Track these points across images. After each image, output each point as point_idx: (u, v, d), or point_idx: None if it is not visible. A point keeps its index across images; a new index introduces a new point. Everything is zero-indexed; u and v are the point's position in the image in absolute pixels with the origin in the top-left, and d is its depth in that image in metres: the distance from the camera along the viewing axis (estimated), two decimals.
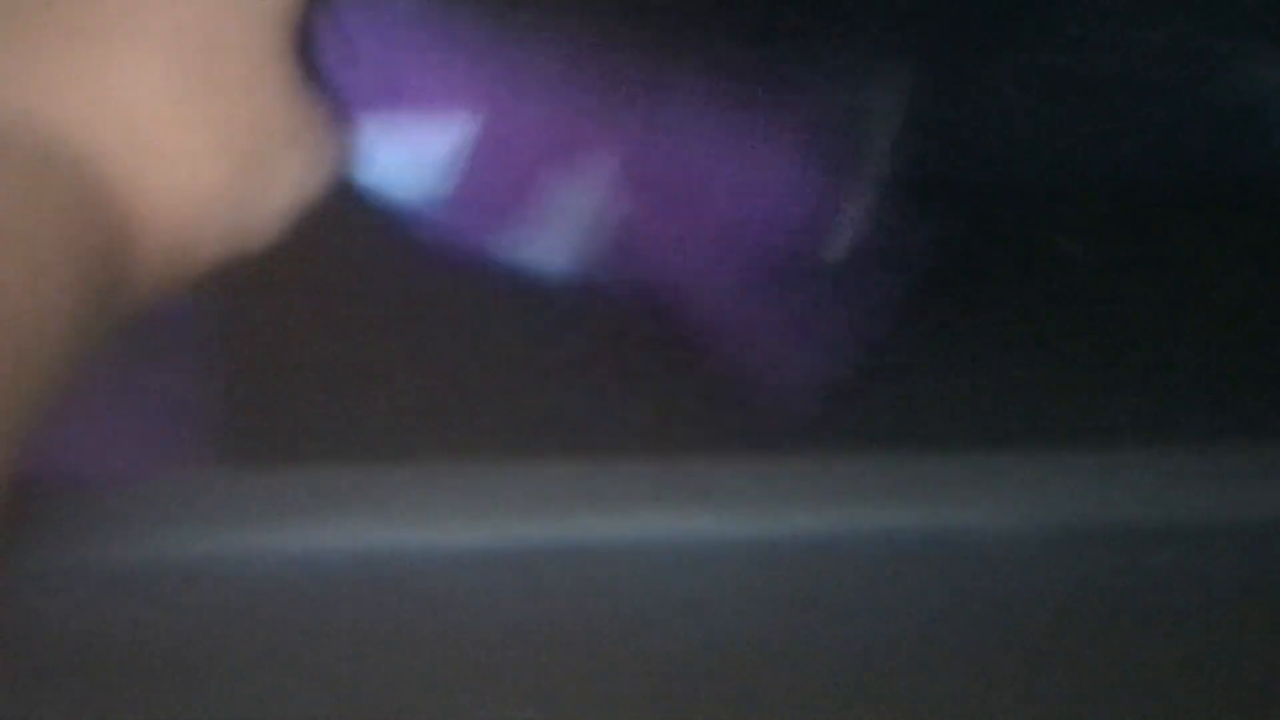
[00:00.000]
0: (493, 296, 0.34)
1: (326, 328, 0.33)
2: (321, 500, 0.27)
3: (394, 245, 0.33)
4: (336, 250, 0.35)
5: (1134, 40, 0.41)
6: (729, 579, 0.28)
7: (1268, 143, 0.41)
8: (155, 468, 0.28)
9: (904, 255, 0.33)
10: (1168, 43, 0.41)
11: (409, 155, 0.32)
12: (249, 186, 0.27)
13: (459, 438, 0.28)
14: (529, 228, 0.34)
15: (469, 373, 0.33)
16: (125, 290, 0.26)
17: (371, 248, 0.34)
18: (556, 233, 0.34)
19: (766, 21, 0.38)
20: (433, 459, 0.27)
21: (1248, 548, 0.29)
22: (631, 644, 0.29)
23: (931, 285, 0.39)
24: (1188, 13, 0.40)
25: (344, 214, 0.34)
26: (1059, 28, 0.41)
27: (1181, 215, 0.39)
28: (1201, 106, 0.41)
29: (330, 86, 0.31)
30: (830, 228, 0.36)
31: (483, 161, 0.33)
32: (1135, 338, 0.37)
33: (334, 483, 0.27)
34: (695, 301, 0.34)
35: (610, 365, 0.33)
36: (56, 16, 0.26)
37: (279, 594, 0.27)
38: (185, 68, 0.27)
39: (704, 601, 0.29)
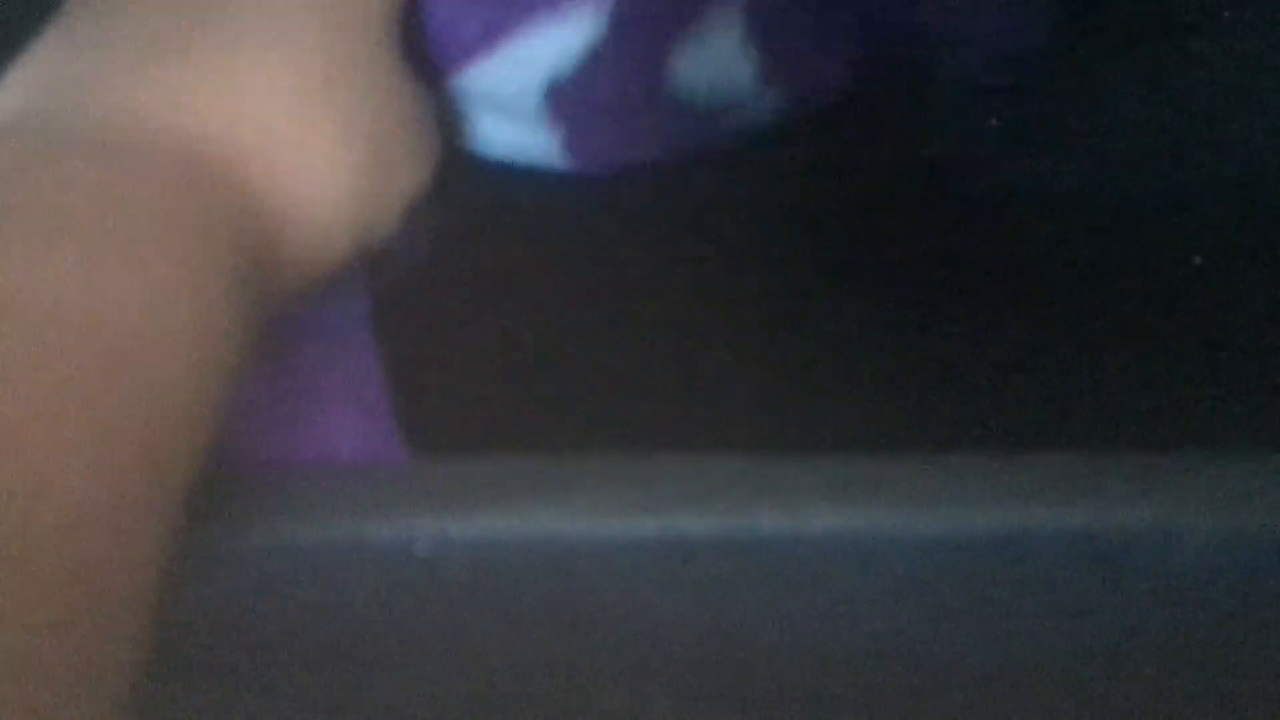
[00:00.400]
0: (671, 286, 0.34)
1: (509, 316, 0.33)
2: (498, 490, 0.27)
3: (571, 230, 0.34)
4: (510, 235, 0.35)
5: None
6: (902, 576, 0.28)
7: None
8: (335, 456, 0.28)
9: None
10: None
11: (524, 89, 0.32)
12: (373, 180, 0.28)
13: (635, 430, 0.29)
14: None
15: (648, 365, 0.33)
16: (276, 285, 0.27)
17: (552, 234, 0.34)
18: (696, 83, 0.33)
19: None
20: (609, 450, 0.27)
21: None
22: (801, 640, 0.29)
23: (1076, 288, 0.39)
24: None
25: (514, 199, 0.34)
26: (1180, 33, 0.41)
27: None
28: None
29: (437, 69, 0.31)
30: None
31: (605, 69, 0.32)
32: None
33: (510, 473, 0.27)
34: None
35: (784, 361, 0.33)
36: (200, 32, 0.27)
37: (453, 582, 0.27)
38: (308, 72, 0.27)
39: (875, 598, 0.28)
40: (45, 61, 0.27)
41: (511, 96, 0.33)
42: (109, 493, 0.22)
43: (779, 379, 0.35)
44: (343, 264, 0.28)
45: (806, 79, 0.37)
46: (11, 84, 0.26)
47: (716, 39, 0.33)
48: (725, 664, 0.30)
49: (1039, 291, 0.39)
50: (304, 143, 0.27)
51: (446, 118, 0.33)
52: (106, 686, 0.22)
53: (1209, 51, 0.40)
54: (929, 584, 0.29)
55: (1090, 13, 0.41)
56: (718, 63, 0.34)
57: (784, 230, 0.38)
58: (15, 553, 0.20)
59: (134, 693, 0.22)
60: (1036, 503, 0.28)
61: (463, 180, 0.33)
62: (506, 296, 0.34)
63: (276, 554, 0.26)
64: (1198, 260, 0.39)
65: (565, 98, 0.33)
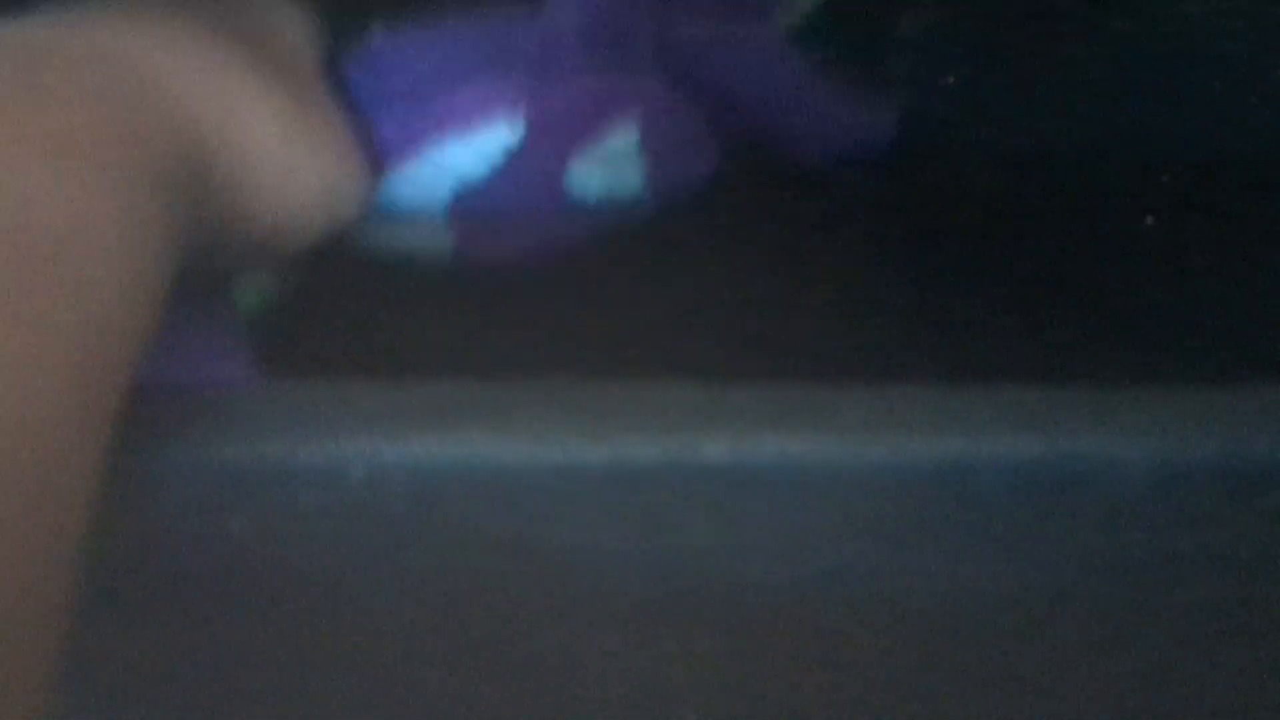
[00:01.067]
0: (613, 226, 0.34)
1: None
2: (436, 414, 0.26)
3: None
4: None
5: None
6: (848, 506, 0.28)
7: None
8: (246, 377, 0.28)
9: None
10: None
11: (449, 172, 0.35)
12: (308, 173, 0.31)
13: (576, 357, 0.28)
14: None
15: (586, 293, 0.33)
16: (208, 226, 0.28)
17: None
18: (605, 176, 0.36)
19: None
20: (550, 376, 0.27)
21: None
22: (748, 571, 0.28)
23: (1028, 238, 0.39)
24: None
25: None
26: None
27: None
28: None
29: (362, 117, 0.35)
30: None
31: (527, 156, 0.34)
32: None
33: (449, 397, 0.27)
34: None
35: (728, 290, 0.33)
36: (221, 57, 0.30)
37: (389, 509, 0.27)
38: (277, 91, 0.30)
39: (822, 529, 0.28)
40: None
41: (416, 210, 0.35)
42: (34, 402, 0.21)
43: (729, 307, 0.35)
44: (266, 243, 0.30)
45: (686, 175, 0.39)
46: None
47: (613, 147, 0.36)
48: (673, 597, 0.29)
49: (990, 240, 0.39)
50: (273, 150, 0.29)
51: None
52: (40, 611, 0.21)
53: (1170, 9, 0.41)
54: (876, 514, 0.28)
55: None
56: (612, 168, 0.36)
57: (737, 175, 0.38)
58: None
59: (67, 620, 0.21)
60: (983, 433, 0.28)
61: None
62: None
63: (204, 473, 0.25)
64: (1150, 220, 0.39)
65: (468, 204, 0.35)
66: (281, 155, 0.30)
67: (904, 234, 0.38)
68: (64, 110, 0.24)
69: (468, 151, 0.34)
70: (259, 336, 0.32)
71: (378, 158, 0.35)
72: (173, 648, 0.27)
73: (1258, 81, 0.39)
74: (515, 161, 0.35)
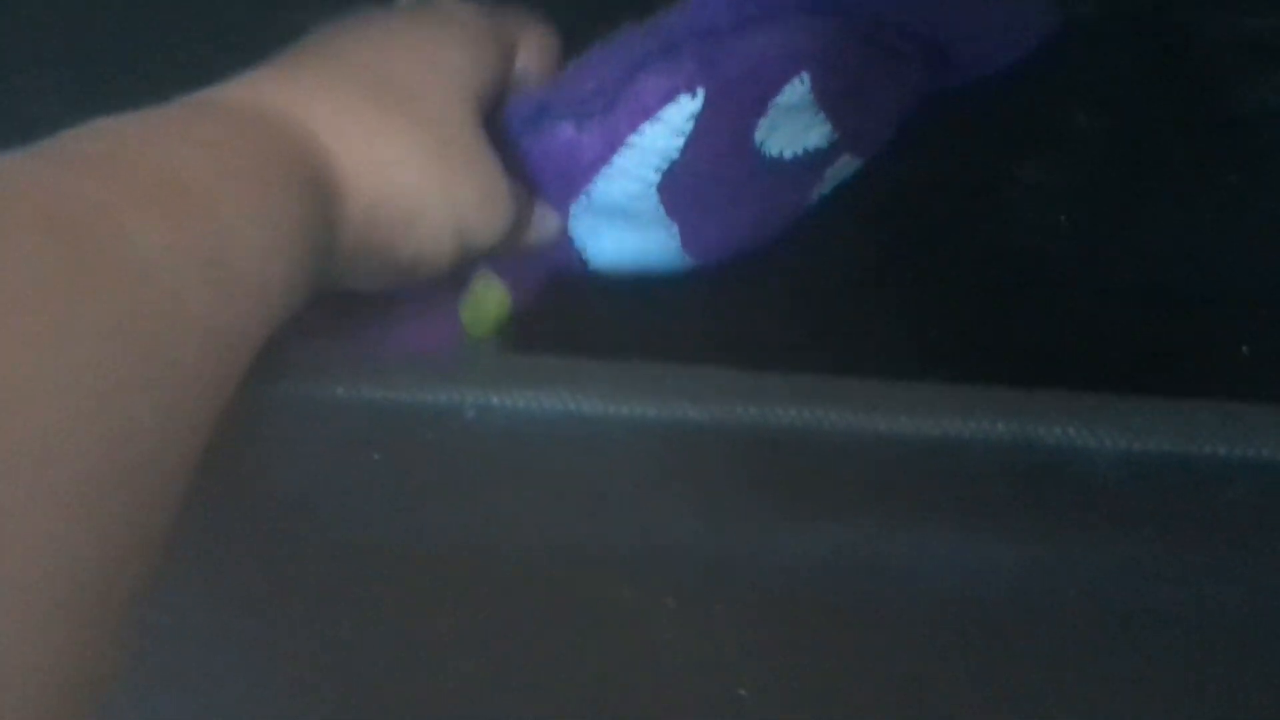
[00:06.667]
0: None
1: None
2: (531, 374, 0.34)
3: None
4: None
5: None
6: (857, 478, 0.34)
7: None
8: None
9: None
10: None
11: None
12: (444, 224, 0.36)
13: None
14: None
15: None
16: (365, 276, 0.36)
17: None
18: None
19: None
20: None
21: None
22: (768, 544, 0.35)
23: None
24: None
25: None
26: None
27: None
28: None
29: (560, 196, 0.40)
30: None
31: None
32: None
33: (541, 363, 0.34)
34: None
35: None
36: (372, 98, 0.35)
37: (492, 446, 0.34)
38: (417, 135, 0.35)
39: (837, 499, 0.34)
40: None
41: (632, 199, 0.39)
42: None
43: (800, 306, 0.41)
44: (401, 269, 0.36)
45: (871, 130, 0.43)
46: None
47: (791, 108, 0.39)
48: (719, 567, 0.35)
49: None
50: (416, 186, 0.35)
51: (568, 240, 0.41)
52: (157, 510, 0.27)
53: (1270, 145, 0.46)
54: (883, 485, 0.34)
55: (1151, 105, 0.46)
56: (794, 122, 0.40)
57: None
58: None
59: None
60: (969, 418, 0.34)
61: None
62: None
63: (361, 409, 0.33)
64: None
65: (675, 185, 0.39)
66: (415, 194, 0.35)
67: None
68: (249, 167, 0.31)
69: (662, 129, 0.38)
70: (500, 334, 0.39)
71: (562, 180, 0.39)
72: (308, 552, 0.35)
73: None
74: (703, 127, 0.37)
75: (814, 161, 0.41)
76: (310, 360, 0.33)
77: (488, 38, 0.38)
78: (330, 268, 0.34)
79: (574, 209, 0.40)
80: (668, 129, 0.38)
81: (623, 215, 0.40)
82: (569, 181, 0.40)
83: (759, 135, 0.39)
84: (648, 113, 0.38)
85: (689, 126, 0.38)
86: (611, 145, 0.38)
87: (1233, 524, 0.34)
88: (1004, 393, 0.34)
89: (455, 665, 0.36)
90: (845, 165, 0.43)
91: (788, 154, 0.40)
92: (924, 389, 0.34)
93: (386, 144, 0.35)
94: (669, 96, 0.38)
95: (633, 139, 0.38)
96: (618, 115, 0.38)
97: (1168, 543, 0.34)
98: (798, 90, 0.39)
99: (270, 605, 0.36)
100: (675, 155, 0.38)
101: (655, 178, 0.39)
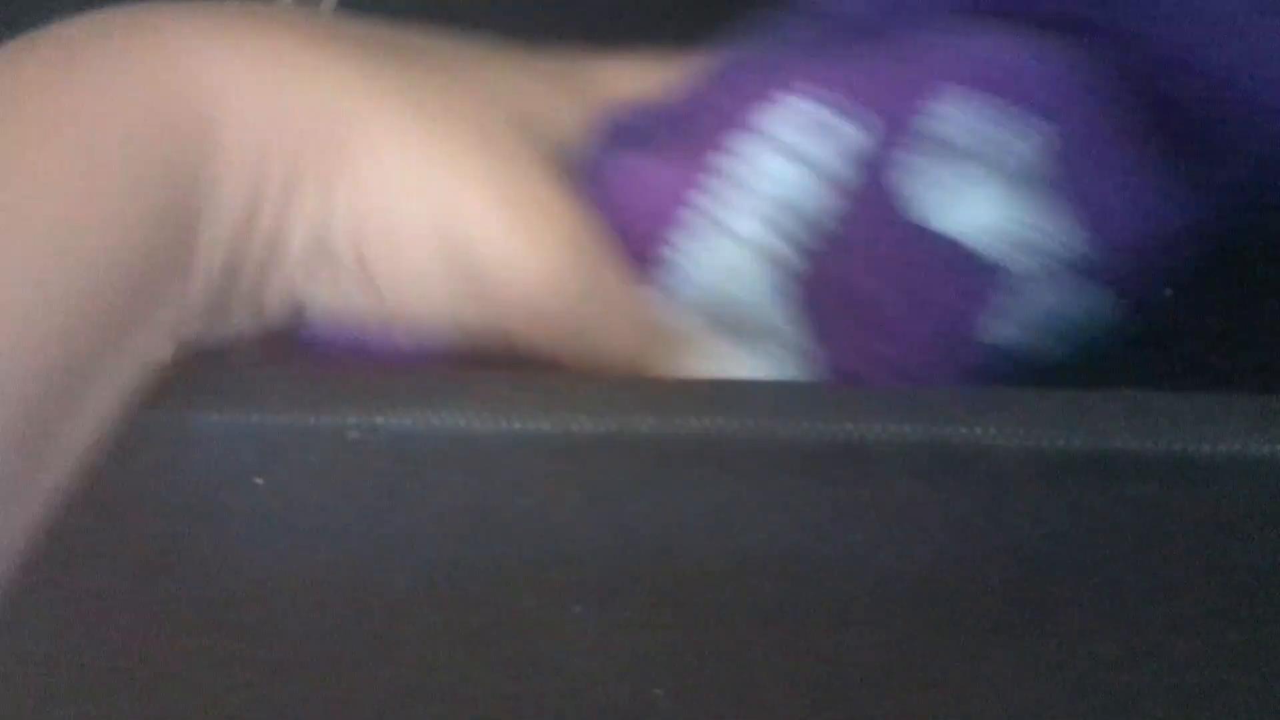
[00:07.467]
0: None
1: None
2: (417, 391, 0.32)
3: None
4: None
5: None
6: (766, 480, 0.33)
7: None
8: None
9: None
10: None
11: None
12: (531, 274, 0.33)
13: None
14: None
15: None
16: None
17: None
18: None
19: None
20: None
21: None
22: (681, 545, 0.34)
23: None
24: None
25: None
26: None
27: None
28: None
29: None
30: None
31: None
32: None
33: (428, 380, 0.33)
34: None
35: None
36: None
37: (378, 466, 0.33)
38: (503, 187, 0.33)
39: (746, 503, 0.33)
40: None
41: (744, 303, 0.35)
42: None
43: None
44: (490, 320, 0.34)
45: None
46: None
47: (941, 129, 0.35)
48: (627, 569, 0.34)
49: None
50: (477, 205, 0.33)
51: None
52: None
53: None
54: (791, 491, 0.33)
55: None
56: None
57: None
58: None
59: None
60: (876, 419, 0.33)
61: None
62: None
63: (239, 434, 0.32)
64: None
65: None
66: (500, 244, 0.32)
67: None
68: None
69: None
70: None
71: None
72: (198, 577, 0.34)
73: None
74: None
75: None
76: (184, 383, 0.32)
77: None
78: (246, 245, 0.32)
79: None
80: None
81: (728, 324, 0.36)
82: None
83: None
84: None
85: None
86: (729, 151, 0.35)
87: (1141, 518, 0.33)
88: (910, 393, 0.33)
89: (352, 692, 0.35)
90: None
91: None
92: (827, 391, 0.33)
93: (477, 199, 0.33)
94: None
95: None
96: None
97: (1078, 537, 0.34)
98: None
99: (148, 645, 0.34)
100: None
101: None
